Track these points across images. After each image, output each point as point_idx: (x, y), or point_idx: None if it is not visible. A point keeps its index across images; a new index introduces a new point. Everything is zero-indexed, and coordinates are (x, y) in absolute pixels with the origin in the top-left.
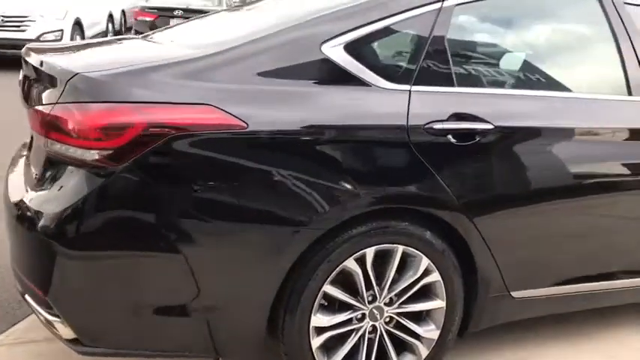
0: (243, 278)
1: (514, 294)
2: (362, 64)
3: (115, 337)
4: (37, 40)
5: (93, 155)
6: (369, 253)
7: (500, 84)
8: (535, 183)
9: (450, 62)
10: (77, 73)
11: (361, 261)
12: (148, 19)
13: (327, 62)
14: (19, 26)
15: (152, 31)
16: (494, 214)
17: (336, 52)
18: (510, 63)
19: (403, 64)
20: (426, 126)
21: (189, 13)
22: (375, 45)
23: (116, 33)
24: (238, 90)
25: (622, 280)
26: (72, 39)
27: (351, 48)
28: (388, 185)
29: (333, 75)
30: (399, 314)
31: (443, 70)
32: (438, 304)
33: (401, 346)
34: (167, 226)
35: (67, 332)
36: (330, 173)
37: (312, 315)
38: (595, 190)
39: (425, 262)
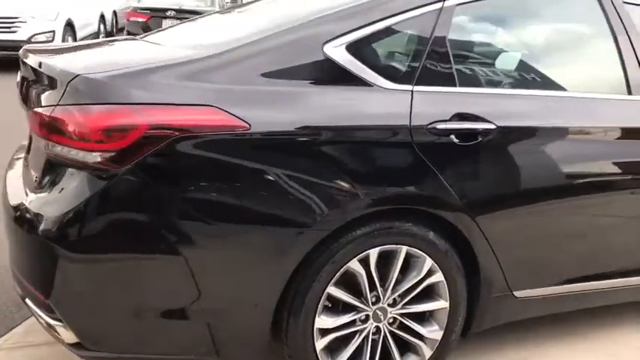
0: (247, 281)
1: (517, 294)
2: (364, 65)
3: (117, 340)
4: (28, 41)
5: (95, 157)
6: (373, 253)
7: (502, 84)
8: (538, 182)
9: (452, 62)
10: (78, 75)
11: (365, 262)
12: (140, 19)
13: (329, 62)
14: (9, 27)
15: (150, 32)
16: (498, 213)
17: (338, 52)
18: (512, 62)
19: (405, 64)
20: (429, 126)
21: (182, 14)
22: (377, 45)
23: (108, 34)
24: (241, 91)
25: (625, 278)
26: (63, 40)
27: (353, 48)
28: (392, 186)
29: (335, 75)
30: (402, 315)
31: (445, 70)
32: (441, 304)
33: (404, 347)
34: (171, 229)
35: (69, 336)
36: (334, 174)
37: (316, 317)
38: (600, 190)
39: (428, 262)
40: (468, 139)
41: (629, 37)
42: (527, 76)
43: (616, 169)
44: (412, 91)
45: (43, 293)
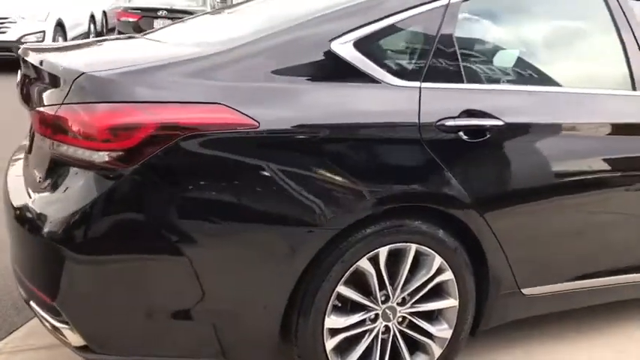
0: (257, 281)
1: (524, 291)
2: (371, 61)
3: (125, 343)
4: (18, 42)
5: (102, 157)
6: (383, 252)
7: (509, 80)
8: (547, 179)
9: (459, 58)
10: (83, 73)
11: (374, 261)
12: (131, 19)
13: (336, 59)
14: None
15: (151, 30)
16: (507, 210)
17: (345, 49)
18: (519, 59)
19: (413, 60)
20: (438, 123)
21: (174, 14)
22: (384, 42)
23: (98, 34)
24: (248, 88)
25: (633, 274)
26: (54, 40)
27: (361, 45)
28: (402, 183)
29: (342, 72)
30: (411, 314)
31: (452, 66)
32: (450, 302)
33: (414, 347)
34: (179, 229)
35: (75, 339)
36: (343, 172)
37: (326, 317)
38: (610, 186)
39: (438, 260)
40: (476, 135)
41: (633, 33)
42: (535, 72)
43: (624, 165)
44: (420, 88)
45: (49, 295)
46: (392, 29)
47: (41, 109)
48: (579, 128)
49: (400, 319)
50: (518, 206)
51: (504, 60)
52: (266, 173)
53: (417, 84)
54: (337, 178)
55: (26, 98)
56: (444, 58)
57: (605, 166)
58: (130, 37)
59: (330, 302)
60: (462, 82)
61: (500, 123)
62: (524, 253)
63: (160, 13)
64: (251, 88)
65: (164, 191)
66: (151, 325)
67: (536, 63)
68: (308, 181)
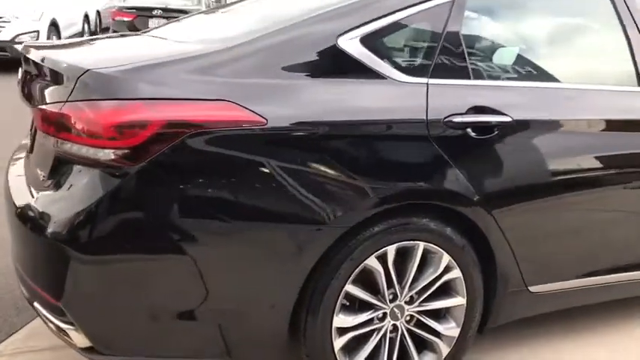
0: (265, 280)
1: (531, 289)
2: (378, 57)
3: (130, 343)
4: (12, 41)
5: (107, 155)
6: (391, 250)
7: (517, 76)
8: (555, 176)
9: (466, 54)
10: (88, 70)
11: (382, 259)
12: (126, 19)
13: (343, 55)
14: None
15: (153, 28)
16: (515, 208)
17: (352, 45)
18: (526, 54)
19: (420, 56)
20: (446, 119)
21: (169, 13)
22: (391, 37)
23: (92, 34)
24: (255, 85)
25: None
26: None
27: (367, 41)
28: (410, 181)
29: (349, 68)
30: (419, 312)
31: (459, 62)
32: (458, 301)
33: (421, 345)
34: (187, 228)
35: (81, 340)
36: (351, 169)
37: (335, 315)
38: (616, 182)
39: (446, 258)
40: (484, 132)
41: (638, 29)
42: (542, 69)
43: (635, 162)
44: (427, 84)
45: (54, 296)
46: (399, 25)
47: (44, 106)
48: (587, 125)
49: (408, 318)
50: (527, 203)
51: (511, 56)
52: (274, 170)
53: (424, 80)
54: (345, 175)
55: (28, 96)
56: (451, 54)
57: (615, 163)
58: (131, 35)
59: (339, 301)
60: (470, 78)
61: (508, 119)
62: (533, 251)
63: (154, 12)
64: (258, 84)
65: (171, 189)
66: (158, 326)
67: (544, 59)
68: (316, 178)
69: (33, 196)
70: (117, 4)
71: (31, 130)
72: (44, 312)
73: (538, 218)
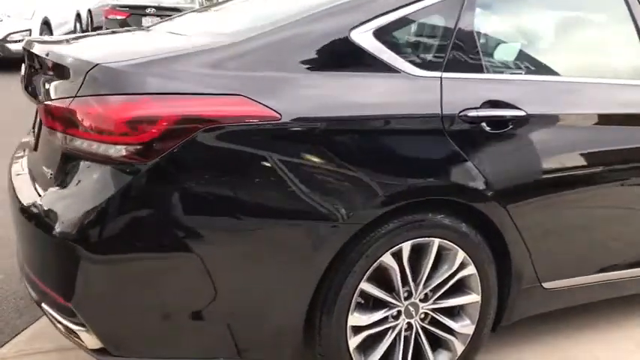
0: (282, 278)
1: (545, 285)
2: (392, 51)
3: (142, 344)
4: (4, 40)
5: (119, 151)
6: (406, 247)
7: (531, 69)
8: (570, 170)
9: (479, 47)
10: (97, 64)
11: (397, 256)
12: (119, 17)
13: (355, 49)
14: None
15: (157, 22)
16: (530, 203)
17: (365, 38)
18: (540, 47)
19: (433, 50)
20: (461, 114)
21: (162, 11)
22: (404, 31)
23: (84, 32)
24: (268, 79)
25: None
26: None
27: (381, 34)
28: (426, 177)
29: (362, 62)
30: (434, 310)
31: (473, 56)
32: (473, 298)
33: (436, 343)
34: (200, 226)
35: (92, 342)
36: (366, 165)
37: (350, 314)
38: (633, 176)
39: (460, 255)
40: (499, 126)
41: None
42: (557, 62)
43: None
44: (441, 78)
45: (64, 297)
46: (412, 18)
47: (51, 102)
48: (602, 119)
49: (422, 316)
50: (542, 198)
51: (525, 49)
52: (288, 167)
53: (438, 74)
54: (361, 171)
55: (33, 92)
56: (464, 47)
57: (630, 157)
58: (138, 30)
59: (354, 299)
60: (483, 71)
61: (522, 113)
62: (547, 246)
63: (148, 10)
64: (270, 78)
65: (185, 187)
66: (169, 326)
67: (558, 52)
68: (331, 174)
69: (40, 195)
70: (110, 2)
71: (34, 127)
72: (53, 313)
73: (554, 214)
